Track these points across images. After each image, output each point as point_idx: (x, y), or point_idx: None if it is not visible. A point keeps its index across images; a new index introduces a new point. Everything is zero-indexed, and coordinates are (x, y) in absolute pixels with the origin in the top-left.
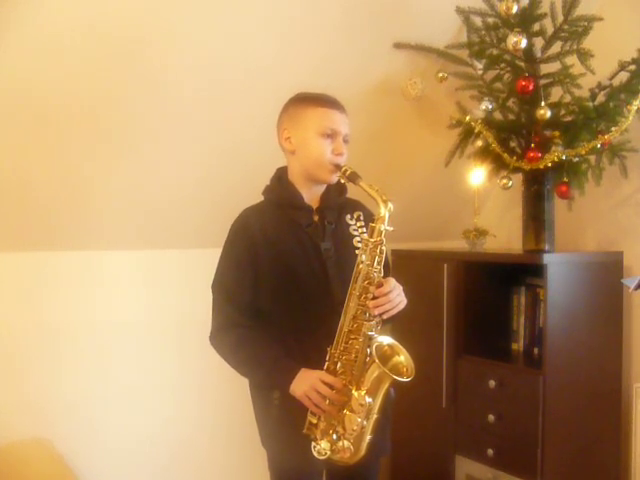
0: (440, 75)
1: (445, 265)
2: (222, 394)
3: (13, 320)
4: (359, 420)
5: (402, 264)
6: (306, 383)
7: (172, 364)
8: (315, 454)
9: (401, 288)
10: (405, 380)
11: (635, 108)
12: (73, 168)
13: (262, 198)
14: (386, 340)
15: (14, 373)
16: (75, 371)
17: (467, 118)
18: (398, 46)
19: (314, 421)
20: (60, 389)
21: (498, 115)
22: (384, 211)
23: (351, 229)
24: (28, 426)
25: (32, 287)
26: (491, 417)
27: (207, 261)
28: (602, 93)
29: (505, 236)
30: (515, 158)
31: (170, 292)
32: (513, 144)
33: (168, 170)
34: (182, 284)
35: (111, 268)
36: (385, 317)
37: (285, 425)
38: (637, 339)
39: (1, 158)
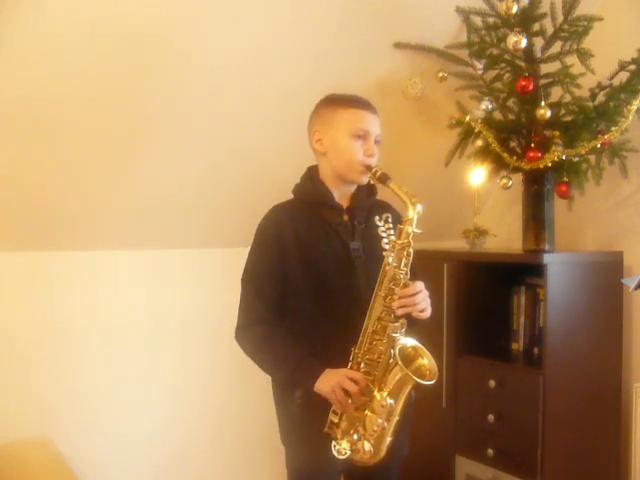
0: (440, 75)
1: (445, 265)
2: (223, 393)
3: (14, 320)
4: (380, 421)
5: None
6: (333, 379)
7: (173, 364)
8: (335, 453)
9: (428, 294)
10: (428, 383)
11: (635, 108)
12: (73, 168)
13: (262, 197)
14: (410, 342)
15: (14, 373)
16: (75, 371)
17: (467, 118)
18: (398, 46)
19: (335, 420)
20: (60, 389)
21: (498, 115)
22: (412, 213)
23: (379, 230)
24: (28, 426)
25: (32, 287)
26: (491, 417)
27: (209, 261)
28: (602, 93)
29: (505, 236)
30: (515, 158)
31: (171, 292)
32: (513, 144)
33: (169, 170)
34: (183, 284)
35: (112, 268)
36: (414, 315)
37: (306, 424)
38: (637, 339)
39: (2, 158)
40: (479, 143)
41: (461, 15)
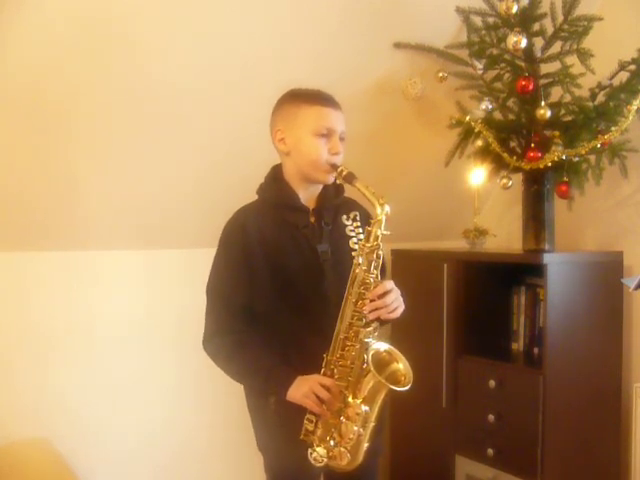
0: (440, 75)
1: (445, 265)
2: (221, 394)
3: (12, 320)
4: (355, 428)
5: (402, 264)
6: (305, 386)
7: (171, 364)
8: (312, 461)
9: (399, 292)
10: (402, 389)
11: (635, 108)
12: (71, 167)
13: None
14: (384, 347)
15: (14, 373)
16: (74, 371)
17: (467, 118)
18: (398, 46)
19: (310, 428)
20: (60, 389)
21: (498, 115)
22: (381, 214)
23: (347, 230)
24: (28, 426)
25: (31, 287)
26: (491, 417)
27: (206, 261)
28: (602, 93)
29: (505, 236)
30: (515, 158)
31: (169, 292)
32: (513, 144)
33: (167, 169)
34: (181, 284)
35: (109, 268)
36: (383, 318)
37: (281, 429)
38: (637, 339)
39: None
40: (479, 143)
41: (461, 15)
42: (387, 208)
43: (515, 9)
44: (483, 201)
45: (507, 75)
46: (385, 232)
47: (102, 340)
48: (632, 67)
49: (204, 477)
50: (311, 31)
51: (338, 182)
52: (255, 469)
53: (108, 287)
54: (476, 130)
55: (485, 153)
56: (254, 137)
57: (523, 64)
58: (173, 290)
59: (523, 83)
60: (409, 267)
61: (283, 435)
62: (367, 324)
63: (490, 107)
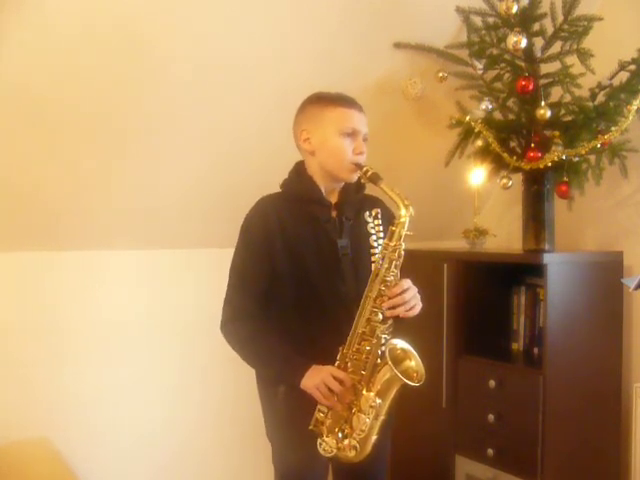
0: (440, 75)
1: (445, 265)
2: (223, 393)
3: (13, 320)
4: (368, 421)
5: (402, 264)
6: (318, 376)
7: (173, 364)
8: (321, 451)
9: (416, 290)
10: (415, 385)
11: (635, 108)
12: (73, 168)
13: (260, 196)
14: (400, 343)
15: (14, 373)
16: (75, 371)
17: (467, 118)
18: (398, 46)
19: (321, 418)
20: (60, 389)
21: (498, 115)
22: (406, 216)
23: (369, 227)
24: (28, 426)
25: (32, 287)
26: (491, 417)
27: (207, 261)
28: (602, 93)
29: (505, 236)
30: (515, 158)
31: (170, 292)
32: (513, 144)
33: (169, 170)
34: (182, 284)
35: (111, 268)
36: (401, 316)
37: (290, 419)
38: (637, 339)
39: (1, 158)
40: (479, 143)
41: (461, 15)
42: (412, 210)
43: (515, 9)
44: (483, 201)
45: (507, 75)
46: (408, 232)
47: (102, 340)
48: (632, 67)
49: (204, 477)
50: (311, 31)
51: (363, 182)
52: (255, 469)
53: (108, 287)
54: (476, 130)
55: (485, 153)
56: (254, 137)
57: (523, 64)
58: (173, 290)
59: (523, 83)
60: (409, 267)
61: (292, 425)
62: (384, 320)
63: (490, 107)
